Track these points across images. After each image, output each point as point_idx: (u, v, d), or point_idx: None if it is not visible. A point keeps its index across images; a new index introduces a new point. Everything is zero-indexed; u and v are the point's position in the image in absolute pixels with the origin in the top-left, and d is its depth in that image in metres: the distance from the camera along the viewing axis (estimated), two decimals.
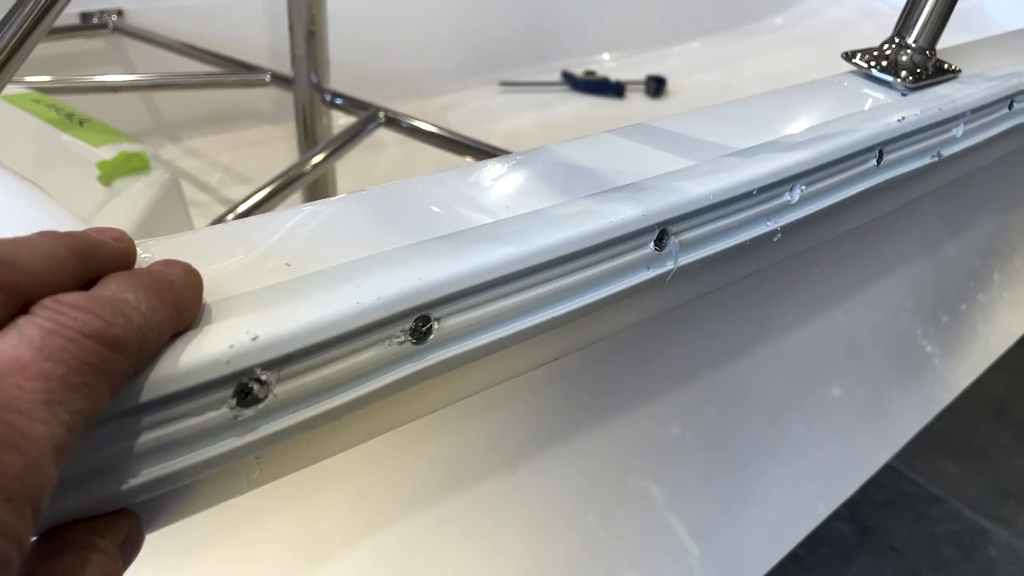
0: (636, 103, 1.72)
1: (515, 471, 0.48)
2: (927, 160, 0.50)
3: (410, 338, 0.29)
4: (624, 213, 0.35)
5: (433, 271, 0.29)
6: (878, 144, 0.46)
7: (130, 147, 0.84)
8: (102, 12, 1.31)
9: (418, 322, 0.29)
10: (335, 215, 0.32)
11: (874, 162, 0.47)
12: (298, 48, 1.08)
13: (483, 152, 0.99)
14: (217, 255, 0.28)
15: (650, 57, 1.85)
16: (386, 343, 0.28)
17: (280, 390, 0.26)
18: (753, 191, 0.39)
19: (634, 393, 0.61)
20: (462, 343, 0.31)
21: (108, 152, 0.83)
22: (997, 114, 0.55)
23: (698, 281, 0.41)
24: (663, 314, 0.40)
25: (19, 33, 0.47)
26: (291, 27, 1.07)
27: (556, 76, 1.78)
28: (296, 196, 1.13)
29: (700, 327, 0.62)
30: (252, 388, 0.25)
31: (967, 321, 1.14)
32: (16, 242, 0.22)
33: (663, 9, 1.88)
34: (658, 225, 0.36)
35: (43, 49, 1.25)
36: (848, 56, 0.56)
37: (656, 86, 1.74)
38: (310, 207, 0.33)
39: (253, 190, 0.93)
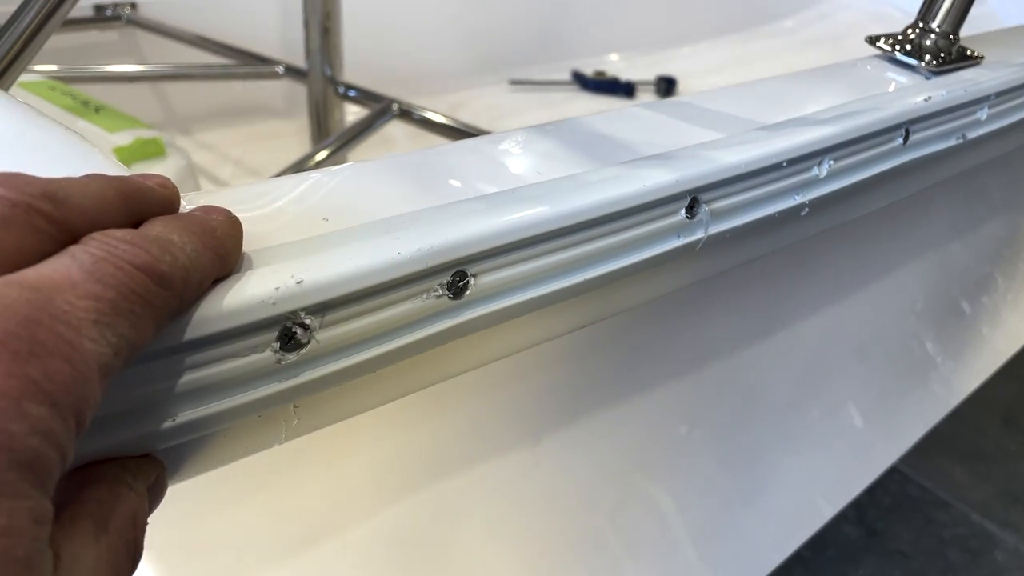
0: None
1: (538, 443, 0.48)
2: (952, 142, 0.50)
3: (447, 292, 0.29)
4: (657, 178, 0.35)
5: (470, 227, 0.29)
6: (905, 123, 0.46)
7: (145, 133, 0.84)
8: (116, 4, 1.32)
9: (455, 276, 0.29)
10: (373, 174, 0.32)
11: (900, 140, 0.46)
12: (312, 42, 1.08)
13: None
14: (257, 209, 0.28)
15: (660, 58, 1.86)
16: (424, 296, 0.28)
17: (322, 336, 0.25)
18: (783, 163, 0.39)
19: (642, 383, 0.61)
20: (497, 301, 0.31)
21: (124, 138, 0.84)
22: (1020, 99, 0.55)
23: (727, 253, 0.41)
24: (690, 286, 0.40)
25: (35, 22, 0.47)
26: (306, 22, 1.08)
27: (566, 76, 1.78)
28: None
29: (713, 315, 0.62)
30: (296, 332, 0.25)
31: (974, 325, 1.14)
32: (68, 181, 0.22)
33: (674, 10, 1.89)
34: (689, 192, 0.36)
35: (58, 40, 1.25)
36: (872, 40, 0.56)
37: (666, 87, 1.74)
38: (347, 167, 0.33)
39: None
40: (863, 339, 0.88)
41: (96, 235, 0.21)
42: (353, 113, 1.23)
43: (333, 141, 1.01)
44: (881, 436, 1.04)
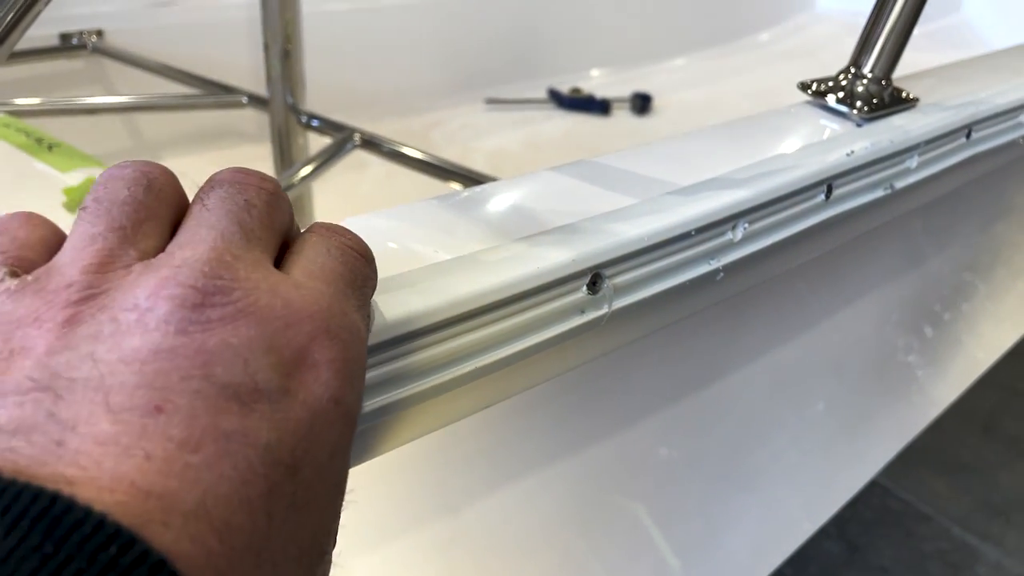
0: (622, 120, 1.72)
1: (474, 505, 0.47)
2: (880, 193, 0.50)
3: None
4: (553, 258, 0.34)
5: None
6: (827, 179, 0.46)
7: (97, 172, 0.83)
8: (82, 33, 1.31)
9: None
10: None
11: (823, 197, 0.46)
12: (273, 68, 1.07)
13: (456, 174, 0.98)
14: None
15: (636, 74, 1.85)
16: None
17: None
18: (692, 231, 0.39)
19: (619, 413, 0.61)
20: (386, 394, 0.30)
21: (75, 178, 0.83)
22: (954, 144, 0.55)
23: (638, 322, 0.40)
24: (601, 357, 0.40)
25: None
26: (266, 47, 1.07)
27: (542, 93, 1.78)
28: None
29: (685, 344, 0.62)
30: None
31: (952, 335, 1.13)
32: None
33: (649, 26, 1.89)
34: (590, 269, 0.35)
35: (22, 71, 1.25)
36: (804, 86, 0.55)
37: (642, 103, 1.74)
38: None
39: None
40: (840, 353, 0.88)
41: (320, 228, 0.27)
42: (317, 142, 1.23)
43: (293, 172, 1.00)
44: (860, 450, 1.04)
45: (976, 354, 1.24)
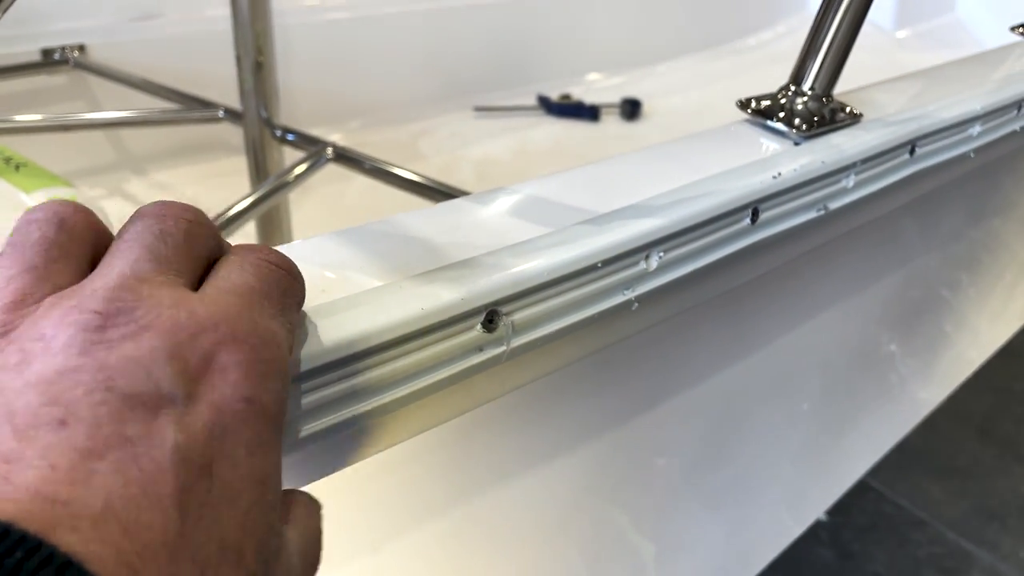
0: (611, 126, 1.72)
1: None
2: (812, 215, 0.49)
3: None
4: (444, 296, 0.34)
5: None
6: (752, 202, 0.45)
7: (61, 191, 0.84)
8: (63, 48, 1.32)
9: None
10: None
11: (748, 221, 0.45)
12: (245, 82, 1.07)
13: (430, 189, 0.98)
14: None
15: (625, 79, 1.85)
16: None
17: None
18: (598, 263, 0.38)
19: (600, 414, 0.61)
20: None
21: (39, 198, 0.83)
22: (895, 161, 0.54)
23: (552, 355, 0.40)
24: (510, 392, 0.39)
25: None
26: (238, 59, 1.07)
27: (531, 100, 1.77)
28: (250, 228, 1.13)
29: (671, 347, 0.62)
30: None
31: (941, 334, 1.12)
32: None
33: (637, 32, 1.88)
34: (485, 307, 0.35)
35: (2, 87, 1.25)
36: (743, 104, 0.54)
37: (631, 109, 1.73)
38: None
39: None
40: (828, 353, 0.87)
41: (239, 248, 0.28)
42: (295, 155, 1.23)
43: (266, 185, 1.00)
44: (848, 450, 1.03)
45: (968, 353, 1.23)
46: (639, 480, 0.70)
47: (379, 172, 1.02)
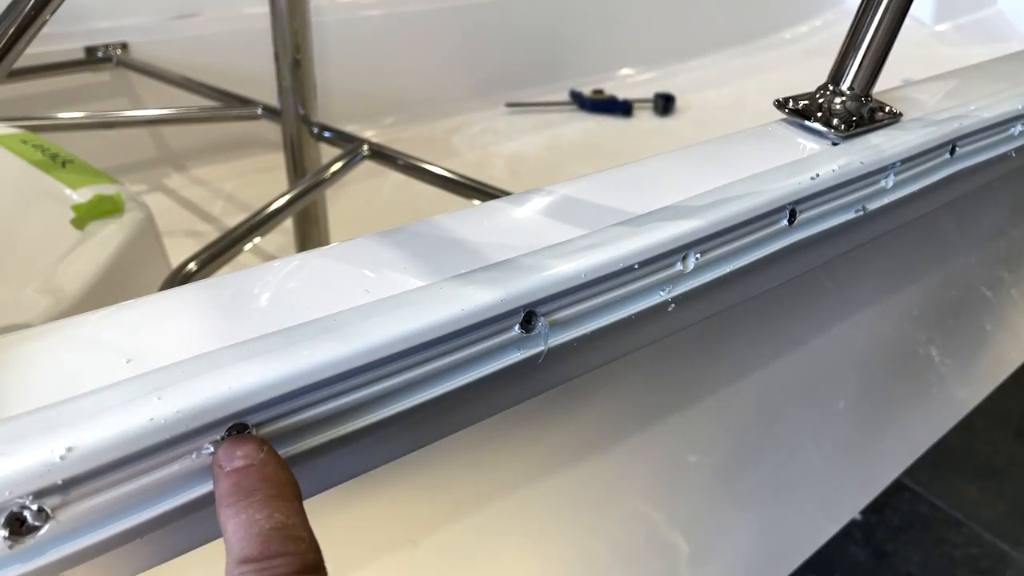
0: (644, 121, 1.71)
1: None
2: (851, 215, 0.49)
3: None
4: (483, 298, 0.34)
5: (252, 375, 0.29)
6: (789, 204, 0.45)
7: (106, 188, 0.85)
8: (107, 46, 1.34)
9: (233, 430, 0.29)
10: (181, 306, 0.32)
11: (785, 222, 0.45)
12: (284, 79, 1.09)
13: (465, 186, 0.99)
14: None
15: (658, 74, 1.84)
16: (194, 455, 0.28)
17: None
18: (635, 265, 0.38)
19: (641, 413, 0.61)
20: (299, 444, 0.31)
21: (85, 194, 0.85)
22: (935, 161, 0.53)
23: (589, 355, 0.40)
24: (546, 391, 0.40)
25: None
26: (276, 57, 1.08)
27: (564, 96, 1.77)
28: (287, 224, 1.14)
29: (706, 346, 0.62)
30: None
31: (981, 333, 1.11)
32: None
33: (670, 27, 1.87)
34: (523, 308, 0.35)
35: (47, 84, 1.28)
36: (781, 104, 0.54)
37: (664, 104, 1.72)
38: (158, 297, 0.33)
39: (232, 226, 0.94)
40: (866, 351, 0.86)
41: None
42: (332, 152, 1.24)
43: (303, 183, 1.02)
44: (885, 450, 1.02)
45: (1008, 352, 1.21)
46: (672, 479, 0.70)
47: (413, 169, 1.03)
